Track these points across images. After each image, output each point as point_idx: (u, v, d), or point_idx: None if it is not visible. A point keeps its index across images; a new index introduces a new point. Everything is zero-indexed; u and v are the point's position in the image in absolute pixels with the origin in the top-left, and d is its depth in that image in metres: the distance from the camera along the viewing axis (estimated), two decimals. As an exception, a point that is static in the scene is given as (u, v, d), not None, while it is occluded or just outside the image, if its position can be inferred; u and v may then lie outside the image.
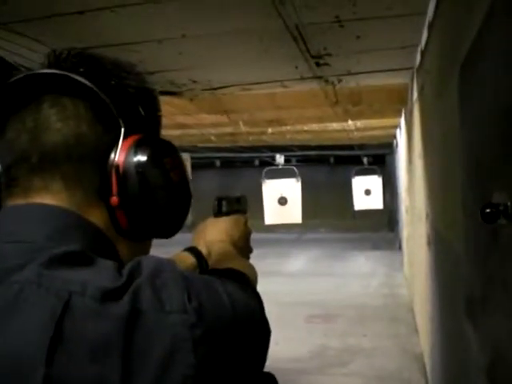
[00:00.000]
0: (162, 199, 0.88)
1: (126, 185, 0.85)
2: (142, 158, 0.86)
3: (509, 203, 1.18)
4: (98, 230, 0.84)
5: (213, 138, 9.51)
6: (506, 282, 1.28)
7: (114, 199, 0.85)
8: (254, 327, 0.84)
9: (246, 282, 0.96)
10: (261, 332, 0.87)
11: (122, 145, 0.85)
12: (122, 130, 0.85)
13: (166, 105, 5.58)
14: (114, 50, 3.30)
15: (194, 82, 4.63)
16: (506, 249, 1.26)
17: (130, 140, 0.86)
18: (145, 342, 0.70)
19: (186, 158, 16.30)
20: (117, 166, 0.84)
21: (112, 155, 0.85)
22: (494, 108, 1.36)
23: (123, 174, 0.85)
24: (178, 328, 0.71)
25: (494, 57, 1.34)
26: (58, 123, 0.83)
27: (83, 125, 0.84)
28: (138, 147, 0.86)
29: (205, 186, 17.40)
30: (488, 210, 1.21)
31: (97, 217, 0.85)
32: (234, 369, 0.78)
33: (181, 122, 7.08)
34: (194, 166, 17.17)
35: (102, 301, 0.70)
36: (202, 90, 4.98)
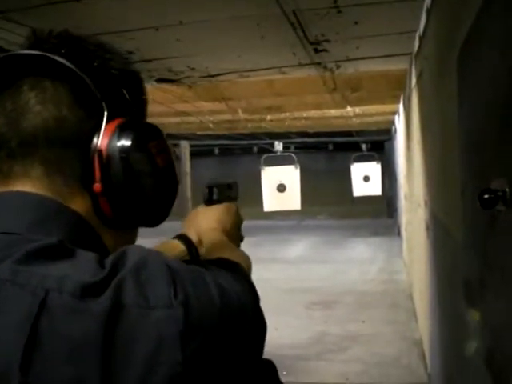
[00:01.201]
0: (147, 185, 0.84)
1: (109, 171, 0.81)
2: (126, 142, 0.82)
3: (507, 189, 1.18)
4: (81, 218, 0.81)
5: (211, 125, 9.49)
6: (504, 268, 1.28)
7: (97, 186, 0.81)
8: (246, 319, 0.80)
9: (240, 271, 0.91)
10: (254, 324, 0.83)
11: (104, 129, 0.81)
12: (105, 113, 0.82)
13: (164, 92, 5.57)
14: (111, 38, 3.29)
15: (192, 69, 4.62)
16: (505, 235, 1.26)
17: (114, 124, 0.82)
18: (128, 340, 0.66)
19: (185, 145, 16.29)
20: (99, 151, 0.81)
21: (95, 140, 0.81)
22: (492, 93, 1.36)
23: (106, 160, 0.81)
24: (164, 324, 0.68)
25: (492, 42, 1.34)
26: (37, 106, 0.80)
27: (64, 108, 0.81)
28: (121, 131, 0.82)
29: (203, 174, 17.40)
30: (486, 196, 1.21)
31: (79, 205, 0.81)
32: (226, 363, 0.74)
33: (179, 109, 7.06)
34: (192, 154, 17.17)
35: (82, 297, 0.66)
36: (200, 77, 4.96)
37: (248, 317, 0.81)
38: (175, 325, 0.68)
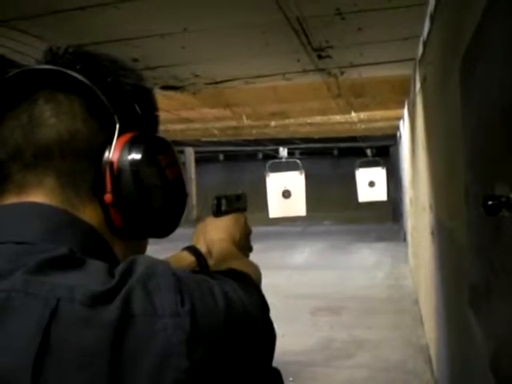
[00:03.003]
0: (156, 197, 0.87)
1: (119, 182, 0.84)
2: (136, 155, 0.85)
3: (511, 195, 1.18)
4: (92, 228, 0.83)
5: (216, 131, 9.51)
6: (508, 274, 1.28)
7: (108, 197, 0.83)
8: (253, 329, 0.81)
9: (248, 281, 0.93)
10: (262, 334, 0.85)
11: (116, 142, 0.84)
12: (117, 126, 0.84)
13: (169, 99, 5.58)
14: (117, 46, 3.31)
15: (197, 76, 4.63)
16: (509, 240, 1.26)
17: (125, 137, 0.85)
18: (136, 349, 0.68)
19: (190, 152, 16.32)
20: (111, 164, 0.83)
21: (106, 152, 0.84)
22: (496, 99, 1.36)
23: (117, 172, 0.84)
24: (171, 332, 0.69)
25: (496, 47, 1.34)
26: (52, 119, 0.82)
27: (78, 121, 0.83)
28: (132, 144, 0.85)
29: (208, 180, 17.42)
30: (490, 202, 1.21)
31: (91, 215, 0.84)
32: (231, 371, 0.76)
33: (184, 116, 7.08)
34: (197, 161, 17.21)
35: (92, 306, 0.69)
36: (205, 84, 4.98)
37: (255, 326, 0.82)
38: (182, 333, 0.70)
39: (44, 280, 0.70)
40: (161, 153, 0.88)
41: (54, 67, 0.84)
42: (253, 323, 0.82)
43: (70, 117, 0.83)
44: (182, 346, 0.69)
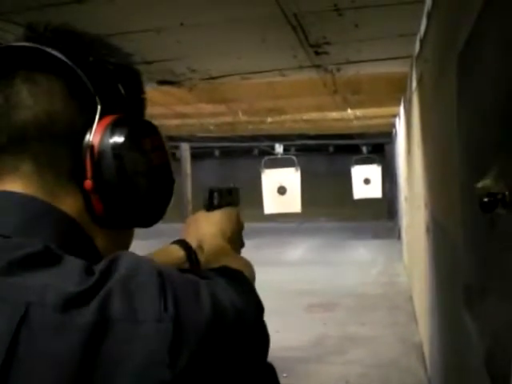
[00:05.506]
0: (140, 183, 0.81)
1: (100, 167, 0.78)
2: (119, 138, 0.79)
3: (507, 192, 1.18)
4: (70, 219, 0.78)
5: (212, 127, 9.50)
6: (503, 271, 1.28)
7: (88, 183, 0.77)
8: (243, 332, 0.76)
9: (243, 281, 0.88)
10: (254, 336, 0.80)
11: (97, 124, 0.78)
12: (99, 108, 0.79)
13: (165, 94, 5.57)
14: (112, 40, 3.29)
15: (193, 71, 4.62)
16: (504, 238, 1.26)
17: (107, 120, 0.79)
18: (113, 357, 0.63)
19: (185, 147, 16.30)
20: (91, 147, 0.77)
21: (87, 135, 0.78)
22: (491, 96, 1.36)
23: (98, 156, 0.78)
24: (152, 339, 0.64)
25: (492, 45, 1.34)
26: (29, 100, 0.77)
27: (57, 102, 0.78)
28: (114, 127, 0.79)
29: (204, 176, 17.39)
30: (486, 199, 1.21)
31: (70, 203, 0.78)
32: (221, 376, 0.71)
33: (180, 111, 7.07)
34: (193, 156, 17.19)
35: (64, 310, 0.63)
36: (201, 79, 4.96)
37: (246, 330, 0.78)
38: (164, 340, 0.65)
39: (14, 282, 0.65)
40: (145, 136, 0.83)
41: (32, 45, 0.79)
42: (244, 326, 0.77)
43: (48, 98, 0.78)
44: (163, 355, 0.64)
